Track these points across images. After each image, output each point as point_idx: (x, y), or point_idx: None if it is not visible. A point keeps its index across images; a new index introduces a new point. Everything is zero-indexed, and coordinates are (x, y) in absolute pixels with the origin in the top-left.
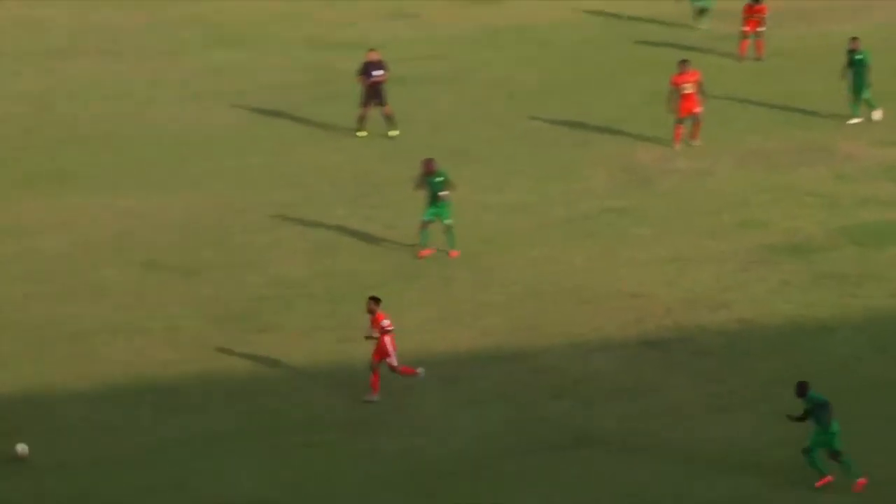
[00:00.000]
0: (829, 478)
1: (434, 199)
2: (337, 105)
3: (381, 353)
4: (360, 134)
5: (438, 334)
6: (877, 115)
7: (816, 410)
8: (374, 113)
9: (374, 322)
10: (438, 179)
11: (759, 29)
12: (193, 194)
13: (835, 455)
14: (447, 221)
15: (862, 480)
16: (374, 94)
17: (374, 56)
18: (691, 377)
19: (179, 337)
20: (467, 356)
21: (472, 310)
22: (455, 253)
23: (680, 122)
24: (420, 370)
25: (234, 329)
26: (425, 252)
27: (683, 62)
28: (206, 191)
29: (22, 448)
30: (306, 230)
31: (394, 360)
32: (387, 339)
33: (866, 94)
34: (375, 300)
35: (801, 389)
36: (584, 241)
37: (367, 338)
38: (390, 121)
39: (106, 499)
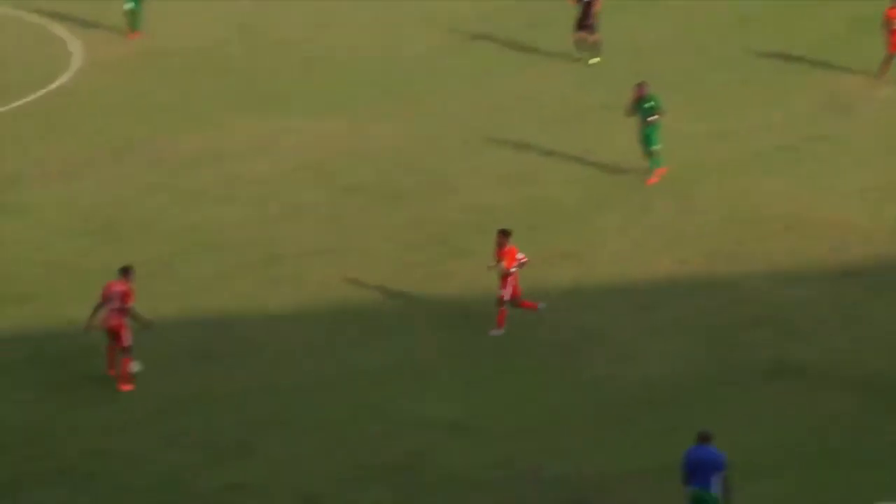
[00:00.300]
0: None
1: (644, 124)
2: (538, 32)
3: (513, 289)
4: (578, 57)
5: (636, 261)
6: None
7: None
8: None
9: (503, 255)
10: (648, 104)
11: None
12: (395, 120)
13: None
14: (654, 147)
15: None
16: (586, 19)
17: None
18: (891, 308)
19: (377, 261)
20: (665, 284)
21: (671, 237)
22: (654, 179)
23: (891, 56)
24: (497, 331)
25: (431, 254)
26: (660, 173)
27: None
28: (407, 117)
29: (136, 366)
30: (505, 157)
31: (505, 295)
32: (514, 275)
33: None
34: (505, 233)
35: None
36: (784, 169)
37: (490, 268)
38: (595, 49)
39: (306, 421)
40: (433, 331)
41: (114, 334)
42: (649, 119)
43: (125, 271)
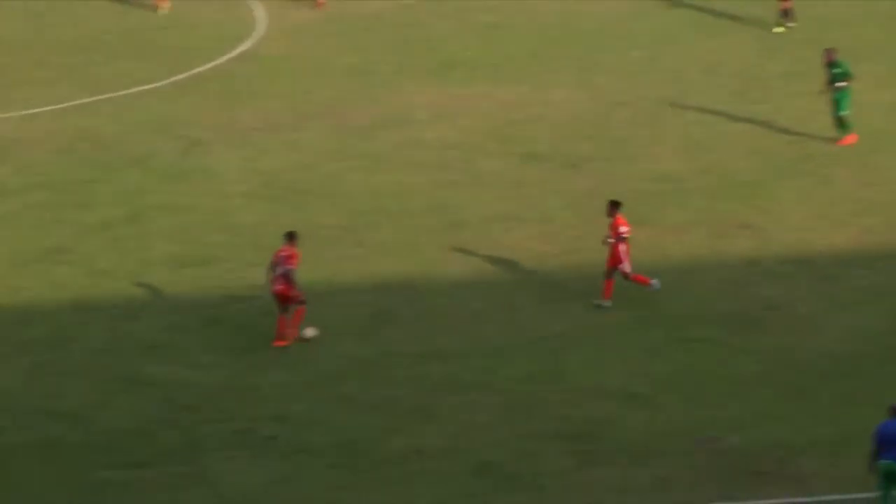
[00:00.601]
0: None
1: (834, 90)
2: None
3: (615, 259)
4: (778, 30)
5: (817, 232)
6: None
7: None
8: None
9: (612, 227)
10: (837, 70)
11: None
12: (574, 87)
13: None
14: (842, 112)
15: None
16: None
17: None
18: None
19: (555, 229)
20: (847, 255)
21: (854, 207)
22: (845, 141)
23: None
24: (654, 281)
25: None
26: (846, 140)
27: None
28: (587, 84)
29: (311, 331)
30: (685, 125)
31: (626, 267)
32: (621, 246)
33: None
34: (615, 204)
35: None
36: None
37: (604, 242)
38: (786, 17)
39: (484, 387)
40: (612, 298)
41: (282, 298)
42: (837, 84)
43: (290, 236)
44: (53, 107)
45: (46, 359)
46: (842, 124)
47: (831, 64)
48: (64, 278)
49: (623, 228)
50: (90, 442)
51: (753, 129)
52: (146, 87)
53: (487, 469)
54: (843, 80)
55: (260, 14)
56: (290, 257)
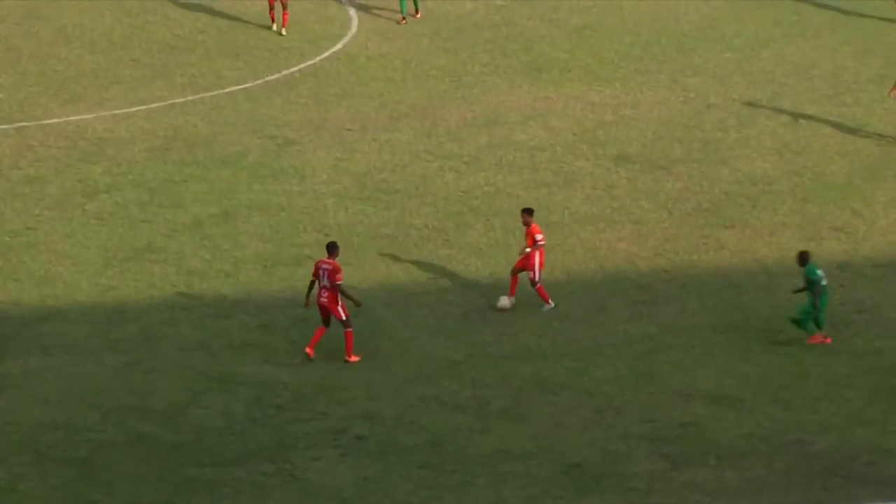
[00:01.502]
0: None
1: None
2: (814, 1)
3: (526, 264)
4: None
5: None
6: None
7: (809, 285)
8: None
9: (528, 234)
10: None
11: None
12: (665, 89)
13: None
14: None
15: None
16: None
17: None
18: None
19: (647, 230)
20: None
21: None
22: None
23: None
24: (550, 305)
25: (701, 224)
26: None
27: None
28: (679, 85)
29: (507, 301)
30: (776, 128)
31: (536, 276)
32: (536, 253)
33: None
34: (529, 212)
35: (802, 259)
36: None
37: (521, 252)
38: None
39: (573, 387)
40: (702, 300)
41: (325, 311)
42: None
43: (331, 248)
44: (146, 106)
45: (137, 357)
46: None
47: None
48: (155, 277)
49: (539, 236)
50: (180, 440)
51: (845, 131)
52: (239, 86)
53: (576, 471)
54: None
55: (352, 15)
56: (332, 271)
